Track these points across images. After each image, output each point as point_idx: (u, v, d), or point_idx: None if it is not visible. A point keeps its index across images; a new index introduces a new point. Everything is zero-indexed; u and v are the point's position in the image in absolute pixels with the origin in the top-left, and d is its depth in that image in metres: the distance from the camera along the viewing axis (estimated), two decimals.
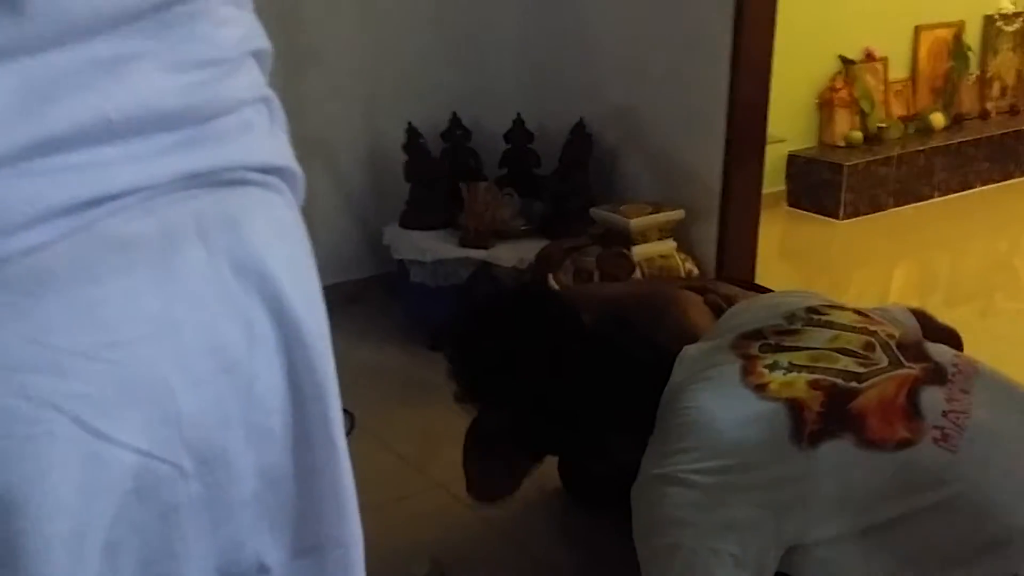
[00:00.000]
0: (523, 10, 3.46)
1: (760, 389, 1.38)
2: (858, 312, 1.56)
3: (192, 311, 0.62)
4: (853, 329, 1.48)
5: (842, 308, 1.57)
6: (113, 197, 0.60)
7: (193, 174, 0.64)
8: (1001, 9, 5.02)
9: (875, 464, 1.29)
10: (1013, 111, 5.12)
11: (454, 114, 3.25)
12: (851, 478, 1.29)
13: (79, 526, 0.58)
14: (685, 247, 2.88)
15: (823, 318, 1.52)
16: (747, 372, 1.42)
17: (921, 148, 4.58)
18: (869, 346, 1.44)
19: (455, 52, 3.38)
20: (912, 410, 1.32)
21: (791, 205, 4.51)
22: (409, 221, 3.17)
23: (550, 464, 2.31)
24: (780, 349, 1.46)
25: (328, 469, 0.73)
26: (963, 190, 4.75)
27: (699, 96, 2.93)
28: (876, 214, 4.42)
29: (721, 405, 1.39)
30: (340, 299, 3.34)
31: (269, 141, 0.72)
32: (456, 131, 3.25)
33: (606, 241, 2.85)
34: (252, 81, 0.71)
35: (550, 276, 2.76)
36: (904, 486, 1.28)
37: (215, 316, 0.64)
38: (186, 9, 0.64)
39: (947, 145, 4.66)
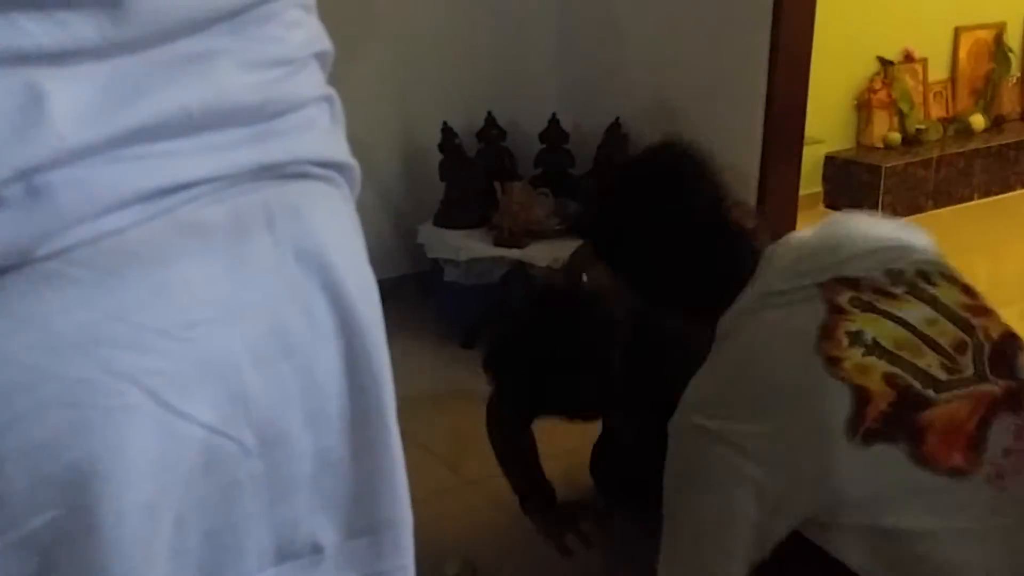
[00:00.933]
0: (559, 10, 3.46)
1: (832, 363, 1.28)
2: (967, 291, 1.42)
3: (259, 295, 0.65)
4: (954, 318, 1.35)
5: (953, 280, 1.42)
6: (190, 186, 0.63)
7: (262, 166, 0.67)
8: None
9: (915, 480, 1.24)
10: None
11: (489, 114, 3.25)
12: (888, 482, 1.25)
13: (154, 497, 0.60)
14: None
15: (930, 291, 1.38)
16: (826, 334, 1.30)
17: (960, 150, 4.53)
18: (961, 346, 1.33)
19: (490, 52, 3.39)
20: (977, 439, 1.25)
21: (828, 207, 4.48)
22: (444, 220, 3.18)
23: (584, 462, 2.31)
24: (871, 310, 1.33)
25: (382, 452, 0.76)
26: (1003, 192, 4.69)
27: (736, 96, 2.91)
28: (915, 216, 4.38)
29: (786, 364, 1.31)
30: None
31: (330, 137, 0.76)
32: (491, 131, 3.26)
33: None
34: (316, 81, 0.75)
35: (584, 276, 2.76)
36: (928, 509, 1.24)
37: (279, 301, 0.66)
38: (261, 11, 0.67)
39: (987, 147, 4.61)
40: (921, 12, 4.47)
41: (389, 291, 3.57)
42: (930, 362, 1.30)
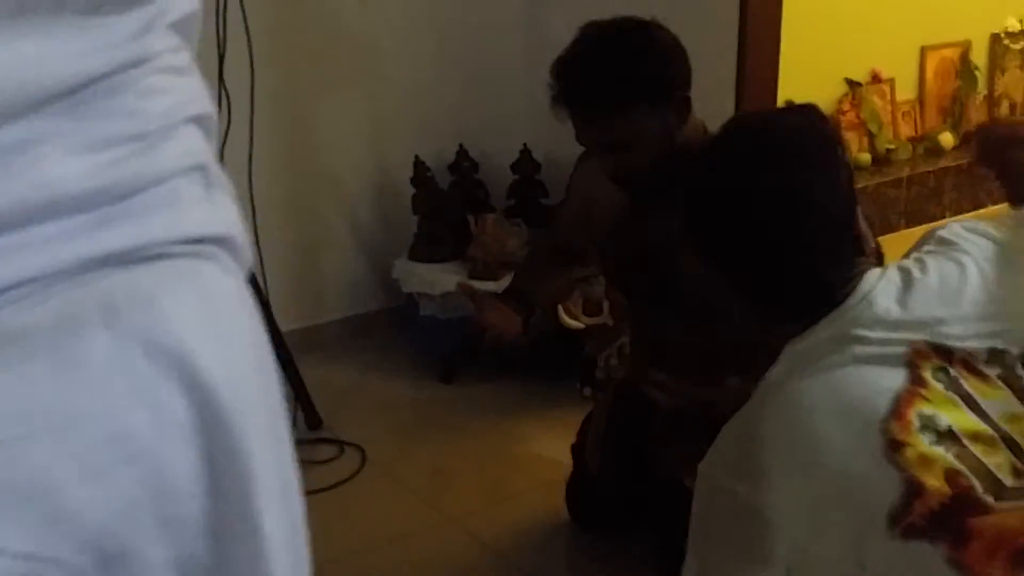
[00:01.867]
0: (527, 41, 3.47)
1: (894, 447, 1.16)
2: None
3: (92, 401, 0.59)
4: None
5: None
6: (7, 288, 0.57)
7: (106, 255, 0.61)
8: (1007, 27, 5.01)
9: None
10: None
11: (461, 146, 3.25)
12: None
13: None
14: None
15: None
16: (897, 412, 1.17)
17: (931, 169, 4.56)
18: None
19: (460, 85, 3.39)
20: (1021, 558, 1.14)
21: None
22: (418, 254, 3.16)
23: (558, 494, 2.29)
24: (953, 389, 1.20)
25: (251, 561, 0.68)
26: (974, 209, 4.72)
27: (706, 123, 2.92)
28: (887, 236, 4.40)
29: (841, 437, 1.18)
30: (349, 333, 3.33)
31: (202, 210, 0.67)
32: (463, 163, 3.25)
33: None
34: (185, 150, 0.66)
35: (560, 307, 2.75)
36: None
37: (118, 403, 0.60)
38: (108, 84, 0.61)
39: (957, 165, 4.64)
40: (887, 33, 4.51)
41: (365, 326, 3.57)
42: (1001, 462, 1.18)
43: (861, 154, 4.55)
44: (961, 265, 1.30)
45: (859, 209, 1.32)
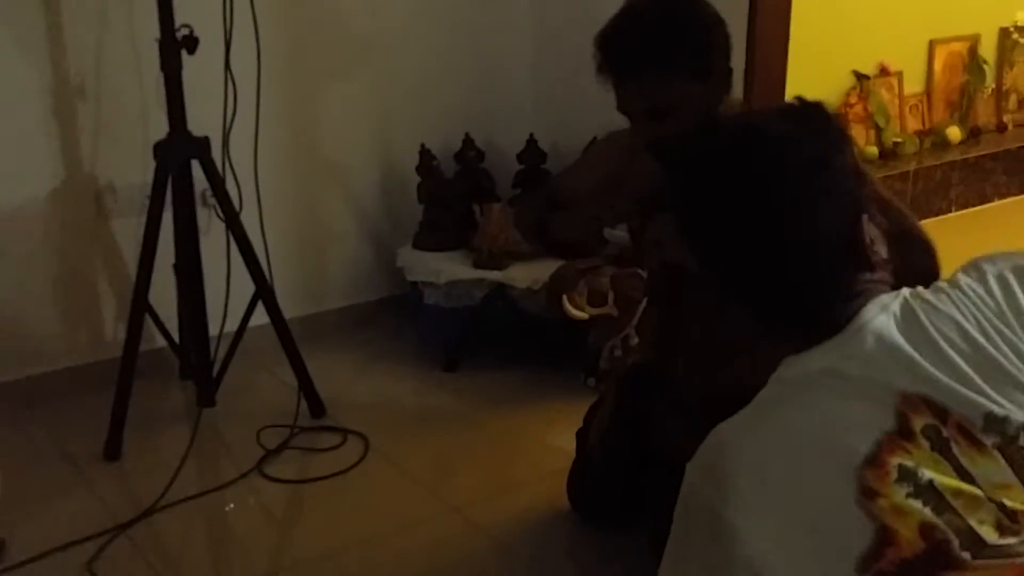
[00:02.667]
0: (535, 30, 3.46)
1: (867, 495, 1.09)
2: None
3: None
4: None
5: None
6: None
7: None
8: (1016, 21, 4.98)
9: None
10: None
11: (467, 135, 3.24)
12: None
13: None
14: None
15: None
16: (876, 458, 1.10)
17: (937, 163, 4.55)
18: None
19: (467, 73, 3.38)
20: None
21: None
22: (423, 243, 3.16)
23: (560, 484, 2.29)
24: (941, 450, 1.12)
25: None
26: (981, 204, 4.71)
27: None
28: None
29: (816, 473, 1.12)
30: (353, 321, 3.33)
31: None
32: (469, 152, 3.24)
33: (620, 261, 2.82)
34: None
35: (565, 297, 2.74)
36: None
37: None
38: None
39: (964, 159, 4.62)
40: (895, 26, 4.49)
41: (369, 315, 3.58)
42: (984, 518, 1.10)
43: (868, 147, 4.54)
44: (978, 314, 1.20)
45: (866, 219, 1.20)
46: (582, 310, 2.78)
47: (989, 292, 1.22)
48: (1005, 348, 1.16)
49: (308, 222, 3.24)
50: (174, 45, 2.44)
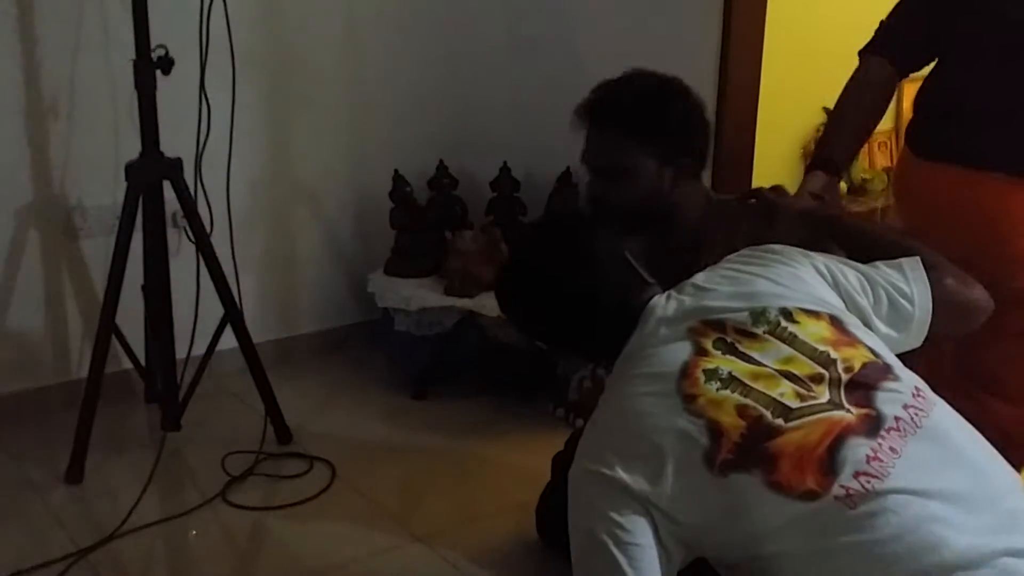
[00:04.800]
0: (510, 59, 3.47)
1: (689, 400, 1.39)
2: (834, 324, 1.49)
3: None
4: (812, 353, 1.43)
5: (818, 316, 1.49)
6: None
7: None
8: None
9: (773, 506, 1.30)
10: None
11: (441, 162, 3.24)
12: (750, 512, 1.32)
13: None
14: None
15: (789, 329, 1.46)
16: (686, 372, 1.42)
17: None
18: (817, 378, 1.40)
19: (442, 100, 3.39)
20: (828, 463, 1.31)
21: None
22: (394, 269, 3.15)
23: (528, 515, 2.28)
24: (731, 352, 1.44)
25: None
26: None
27: None
28: None
29: (651, 404, 1.41)
30: (323, 347, 3.31)
31: None
32: (443, 179, 3.24)
33: None
34: None
35: None
36: (795, 532, 1.31)
37: None
38: None
39: None
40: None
41: (339, 340, 3.55)
42: (784, 391, 1.38)
43: None
44: (735, 260, 1.61)
45: (628, 257, 1.62)
46: None
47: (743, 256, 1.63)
48: (746, 276, 1.56)
49: (279, 246, 3.23)
50: (149, 66, 2.43)
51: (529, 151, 3.36)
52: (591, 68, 3.23)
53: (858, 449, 1.32)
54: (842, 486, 1.29)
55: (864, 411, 1.36)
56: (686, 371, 1.42)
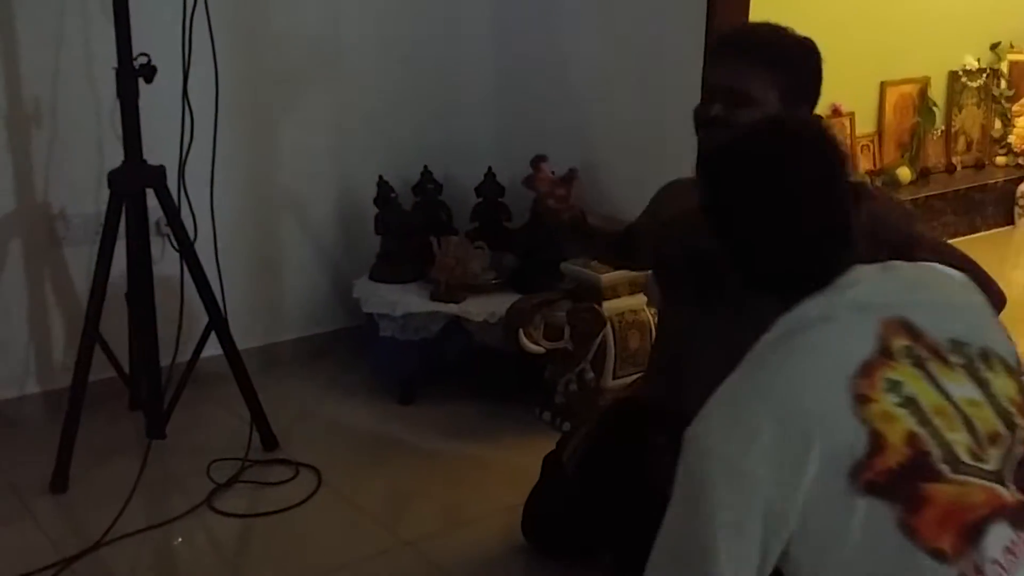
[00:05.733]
0: (495, 65, 3.48)
1: (861, 400, 1.23)
2: (1021, 390, 1.34)
3: None
4: (1000, 410, 1.29)
5: (1010, 373, 1.34)
6: None
7: None
8: (965, 65, 5.10)
9: (894, 548, 1.19)
10: (978, 165, 5.18)
11: (425, 167, 3.25)
12: (865, 543, 1.20)
13: None
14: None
15: (984, 373, 1.31)
16: (866, 372, 1.25)
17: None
18: (994, 438, 1.26)
19: (427, 106, 3.39)
20: (973, 534, 1.19)
21: None
22: (379, 274, 3.15)
23: (515, 518, 2.28)
24: (919, 366, 1.28)
25: None
26: None
27: (670, 153, 2.94)
28: None
29: (814, 387, 1.26)
30: (308, 352, 3.31)
31: None
32: (427, 185, 3.25)
33: (576, 296, 2.84)
34: None
35: (521, 331, 2.75)
36: None
37: None
38: None
39: (913, 199, 4.70)
40: (848, 68, 4.57)
41: (324, 346, 3.55)
42: (958, 439, 1.24)
43: None
44: (936, 271, 1.46)
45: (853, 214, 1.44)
46: (538, 344, 2.79)
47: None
48: (958, 295, 1.42)
49: (264, 252, 3.22)
50: (131, 73, 2.43)
51: (514, 156, 3.36)
52: (576, 75, 3.26)
53: (1002, 533, 1.20)
54: (974, 564, 1.18)
55: (1022, 498, 1.24)
56: (867, 370, 1.26)
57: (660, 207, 2.18)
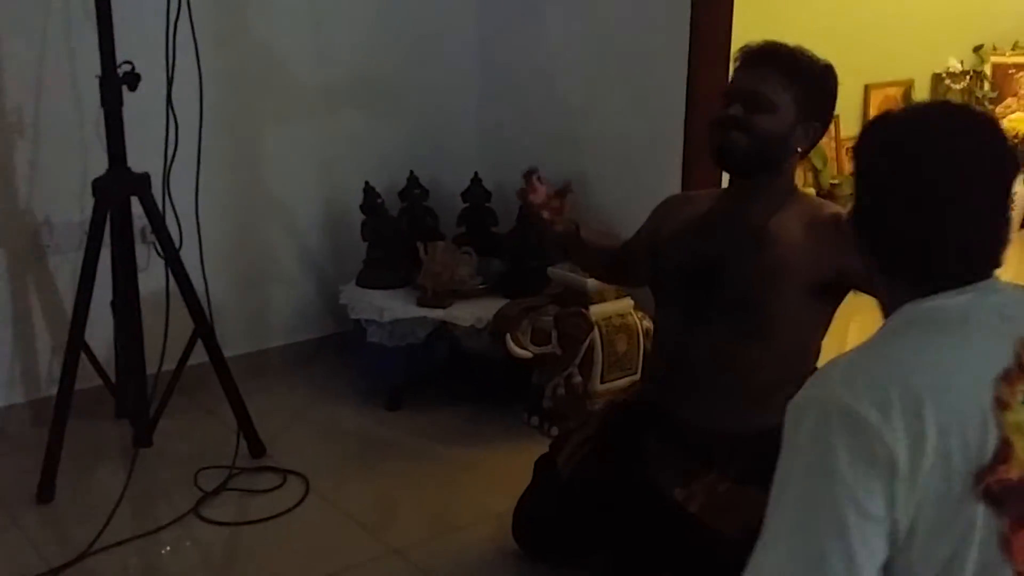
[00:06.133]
0: (480, 70, 3.48)
1: (1001, 406, 1.20)
2: None
3: None
4: None
5: None
6: None
7: None
8: (949, 68, 5.12)
9: (987, 558, 1.18)
10: None
11: (412, 173, 3.25)
12: (961, 547, 1.18)
13: None
14: (642, 305, 2.88)
15: None
16: (1008, 378, 1.22)
17: None
18: None
19: (413, 112, 3.39)
20: None
21: None
22: (366, 280, 3.15)
23: (505, 523, 2.28)
24: None
25: None
26: None
27: (652, 156, 2.95)
28: None
29: (960, 375, 1.21)
30: (296, 359, 3.30)
31: None
32: (414, 190, 3.25)
33: (563, 300, 2.84)
34: None
35: (508, 336, 2.75)
36: None
37: None
38: None
39: None
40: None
41: (311, 353, 3.54)
42: None
43: (806, 188, 4.62)
44: None
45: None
46: (526, 349, 2.79)
47: None
48: None
49: (250, 259, 3.21)
50: (115, 81, 2.42)
51: (500, 161, 3.37)
52: (559, 80, 3.26)
53: None
54: None
55: None
56: (1008, 378, 1.22)
57: (661, 222, 2.19)
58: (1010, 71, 5.20)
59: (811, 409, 1.22)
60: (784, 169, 2.00)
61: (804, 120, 1.96)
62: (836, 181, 4.70)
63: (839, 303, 1.99)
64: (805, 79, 1.97)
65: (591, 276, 2.71)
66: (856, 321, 2.55)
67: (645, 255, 2.17)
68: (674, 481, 1.96)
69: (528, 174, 2.12)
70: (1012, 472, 1.18)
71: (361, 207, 3.16)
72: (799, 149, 1.99)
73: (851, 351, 1.29)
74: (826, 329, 2.03)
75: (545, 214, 2.13)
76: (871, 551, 1.16)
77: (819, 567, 1.16)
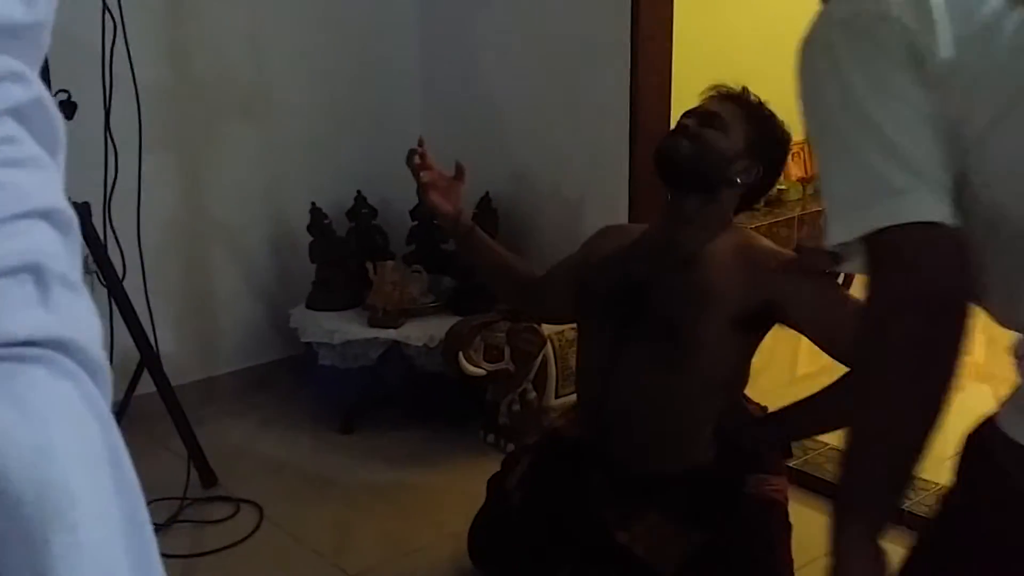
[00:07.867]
0: (425, 87, 3.47)
1: None
2: None
3: None
4: None
5: None
6: None
7: None
8: None
9: None
10: None
11: (359, 192, 3.22)
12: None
13: None
14: None
15: None
16: None
17: (819, 208, 4.68)
18: None
19: (358, 131, 3.37)
20: None
21: None
22: (316, 302, 3.11)
23: (463, 544, 2.26)
24: None
25: None
26: None
27: (602, 174, 2.96)
28: None
29: None
30: (247, 384, 3.26)
31: (29, 312, 0.64)
32: (362, 210, 3.22)
33: (515, 316, 2.83)
34: (12, 248, 0.63)
35: (460, 354, 2.73)
36: None
37: None
38: None
39: None
40: (775, 76, 4.62)
41: (263, 378, 3.49)
42: None
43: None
44: None
45: None
46: (478, 366, 2.77)
47: None
48: None
49: (197, 285, 3.17)
50: None
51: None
52: (503, 96, 3.26)
53: None
54: None
55: None
56: None
57: (591, 250, 2.18)
58: None
59: (812, 44, 1.11)
60: (721, 199, 1.99)
61: (750, 156, 2.00)
62: (783, 187, 4.76)
63: (763, 337, 1.98)
64: (762, 124, 2.04)
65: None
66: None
67: (569, 283, 2.14)
68: (616, 523, 1.95)
69: (419, 144, 2.23)
70: None
71: (308, 228, 3.13)
72: (738, 180, 1.99)
73: None
74: (748, 366, 2.01)
75: (434, 195, 2.24)
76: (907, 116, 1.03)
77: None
